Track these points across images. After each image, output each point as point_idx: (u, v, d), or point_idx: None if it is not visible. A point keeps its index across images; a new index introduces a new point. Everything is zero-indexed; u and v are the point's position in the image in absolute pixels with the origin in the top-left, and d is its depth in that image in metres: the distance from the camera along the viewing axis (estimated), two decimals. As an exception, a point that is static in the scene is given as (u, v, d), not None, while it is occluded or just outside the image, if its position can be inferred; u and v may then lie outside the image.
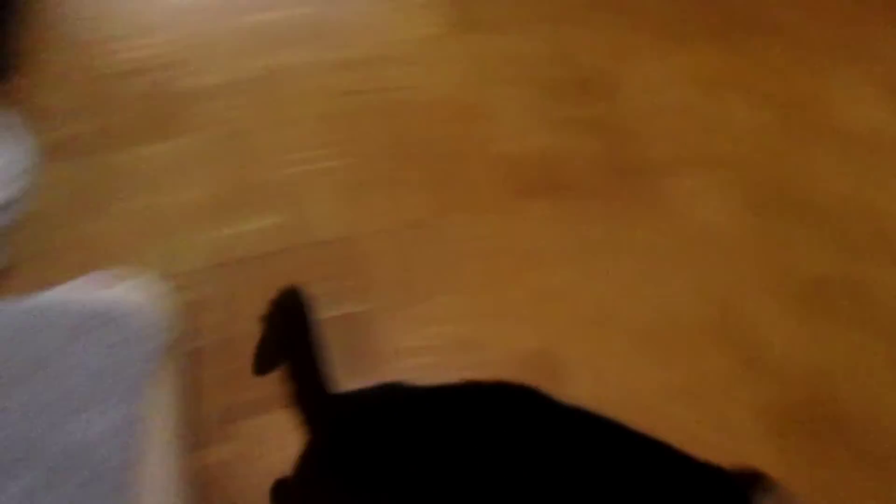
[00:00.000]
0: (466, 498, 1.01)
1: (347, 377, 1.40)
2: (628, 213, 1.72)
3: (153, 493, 0.90)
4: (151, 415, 0.92)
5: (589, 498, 1.06)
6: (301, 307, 0.95)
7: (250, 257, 1.54)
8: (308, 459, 0.96)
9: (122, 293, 1.02)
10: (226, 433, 1.29)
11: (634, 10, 2.14)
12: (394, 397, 1.04)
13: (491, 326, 1.50)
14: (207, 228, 1.58)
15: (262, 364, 0.98)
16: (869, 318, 1.63)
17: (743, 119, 1.93)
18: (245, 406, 1.32)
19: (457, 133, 1.79)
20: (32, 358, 0.86)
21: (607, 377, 1.45)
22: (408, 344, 1.46)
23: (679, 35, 2.08)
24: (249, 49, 1.92)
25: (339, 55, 1.92)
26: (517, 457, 1.01)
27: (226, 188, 1.65)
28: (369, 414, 1.00)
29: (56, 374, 0.86)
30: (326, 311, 1.47)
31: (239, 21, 1.99)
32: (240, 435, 1.29)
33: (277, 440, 1.27)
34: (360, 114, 1.80)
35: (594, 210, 1.71)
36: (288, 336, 0.94)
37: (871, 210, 1.82)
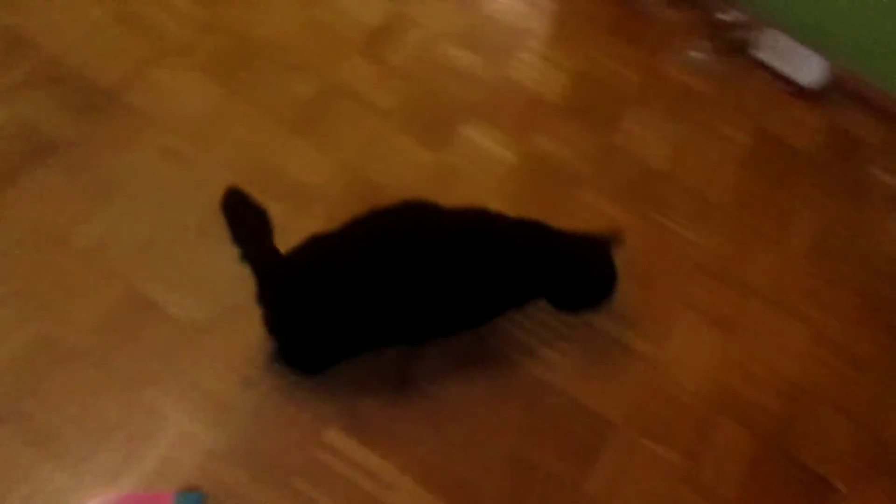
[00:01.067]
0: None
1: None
2: (118, 138, 1.69)
3: None
4: None
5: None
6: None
7: None
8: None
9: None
10: None
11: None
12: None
13: (52, 304, 1.45)
14: None
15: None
16: (354, 118, 1.87)
17: (172, 10, 1.93)
18: None
19: None
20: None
21: (184, 282, 1.52)
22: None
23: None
24: None
25: None
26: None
27: None
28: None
29: None
30: None
31: None
32: None
33: None
34: None
35: (83, 156, 1.63)
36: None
37: (314, 25, 2.03)
